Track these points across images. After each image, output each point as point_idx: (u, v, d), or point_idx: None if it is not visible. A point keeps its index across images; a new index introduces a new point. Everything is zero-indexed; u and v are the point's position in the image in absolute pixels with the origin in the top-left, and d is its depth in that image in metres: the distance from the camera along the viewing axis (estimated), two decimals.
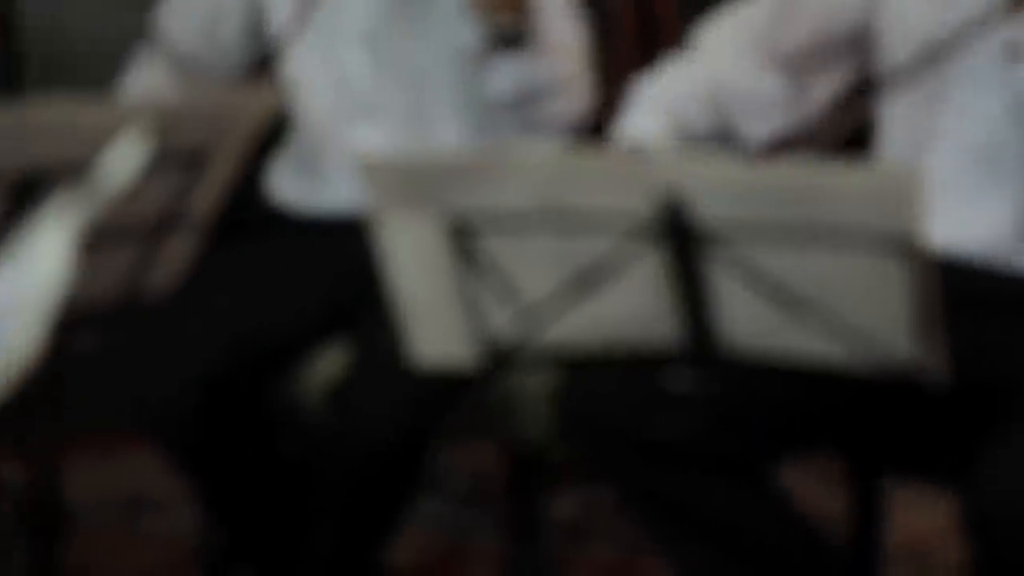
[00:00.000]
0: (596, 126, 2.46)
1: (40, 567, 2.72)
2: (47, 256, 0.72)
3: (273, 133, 2.42)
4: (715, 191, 1.79)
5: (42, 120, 1.73)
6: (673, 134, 2.22)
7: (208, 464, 2.38)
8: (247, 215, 2.43)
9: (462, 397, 2.31)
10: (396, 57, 2.42)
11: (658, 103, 2.24)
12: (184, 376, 2.31)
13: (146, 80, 2.52)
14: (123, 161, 0.76)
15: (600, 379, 2.04)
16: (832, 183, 1.75)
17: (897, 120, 2.16)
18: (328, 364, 2.40)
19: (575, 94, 2.39)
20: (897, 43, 2.13)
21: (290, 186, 2.51)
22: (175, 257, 2.00)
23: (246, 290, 2.41)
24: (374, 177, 1.91)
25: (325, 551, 2.35)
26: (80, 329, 1.85)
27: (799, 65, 2.22)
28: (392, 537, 2.38)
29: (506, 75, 2.33)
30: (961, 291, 1.95)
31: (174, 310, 2.30)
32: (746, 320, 1.83)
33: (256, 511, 2.42)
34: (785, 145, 2.23)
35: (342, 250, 2.38)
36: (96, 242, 1.83)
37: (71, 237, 0.71)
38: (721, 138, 2.26)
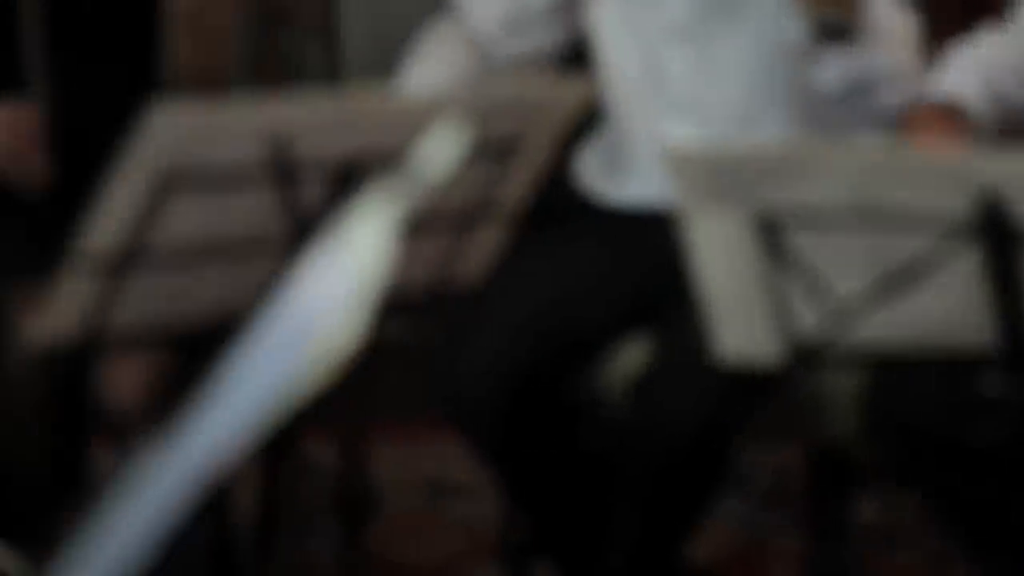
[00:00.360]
0: None
1: (347, 547, 2.78)
2: (367, 244, 0.73)
3: (584, 122, 2.42)
4: None
5: (362, 109, 1.77)
6: (987, 100, 2.17)
7: (511, 455, 2.39)
8: (556, 205, 2.44)
9: (766, 394, 2.28)
10: (715, 52, 2.39)
11: (975, 67, 2.18)
12: (491, 367, 2.32)
13: (438, 61, 2.54)
14: (441, 150, 0.77)
15: (910, 381, 1.99)
16: None
17: None
18: (631, 357, 2.40)
19: (908, 83, 2.34)
20: None
21: (599, 177, 2.51)
22: (485, 247, 2.02)
23: (553, 281, 2.42)
24: (681, 169, 1.90)
25: (626, 545, 2.35)
26: (391, 317, 1.88)
27: None
28: (693, 533, 2.36)
29: (833, 68, 2.29)
30: None
31: (482, 300, 2.32)
32: None
33: (557, 504, 2.43)
34: None
35: (649, 242, 2.37)
36: (409, 231, 1.86)
37: (390, 226, 0.72)
38: None
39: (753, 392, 2.25)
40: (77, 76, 2.40)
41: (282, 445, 2.24)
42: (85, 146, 2.27)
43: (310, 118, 1.72)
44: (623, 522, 2.34)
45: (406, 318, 2.17)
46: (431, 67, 2.52)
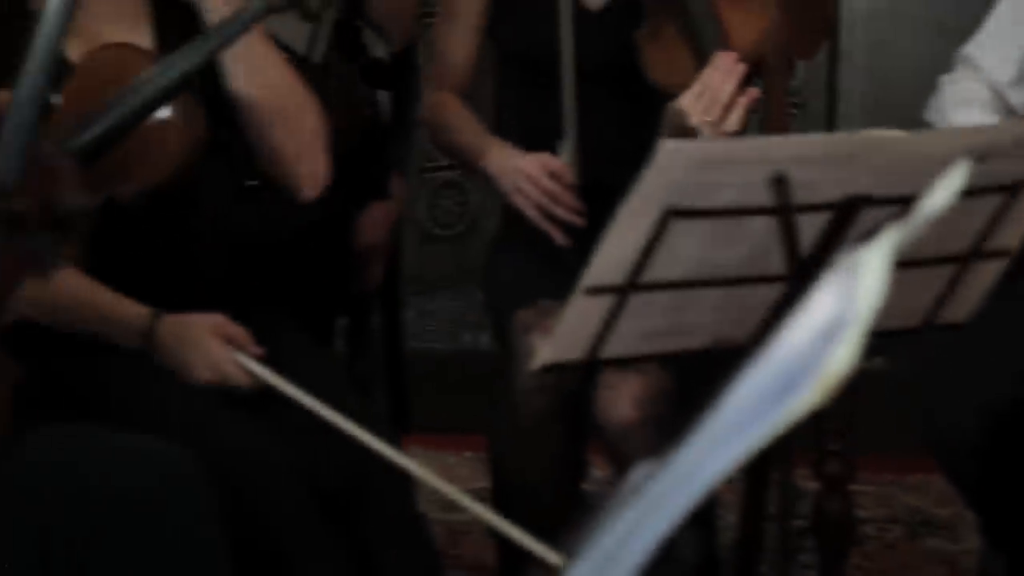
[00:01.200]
0: None
1: (826, 574, 2.78)
2: (865, 277, 0.76)
3: None
4: None
5: (862, 145, 1.79)
6: None
7: (992, 493, 2.36)
8: None
9: None
10: None
11: None
12: (978, 404, 2.30)
13: (969, 105, 2.54)
14: (942, 187, 0.80)
15: None
16: None
17: None
18: None
19: None
20: None
21: None
22: (980, 284, 2.01)
23: None
24: None
25: None
26: (880, 350, 1.89)
27: None
28: None
29: None
30: None
31: (974, 336, 2.30)
32: None
33: None
34: None
35: None
36: (905, 264, 1.87)
37: (887, 259, 0.75)
38: None
39: None
40: (601, 126, 2.61)
41: (768, 470, 2.27)
42: (608, 186, 2.41)
43: (811, 153, 1.75)
44: None
45: (895, 351, 2.18)
46: (964, 109, 2.54)
